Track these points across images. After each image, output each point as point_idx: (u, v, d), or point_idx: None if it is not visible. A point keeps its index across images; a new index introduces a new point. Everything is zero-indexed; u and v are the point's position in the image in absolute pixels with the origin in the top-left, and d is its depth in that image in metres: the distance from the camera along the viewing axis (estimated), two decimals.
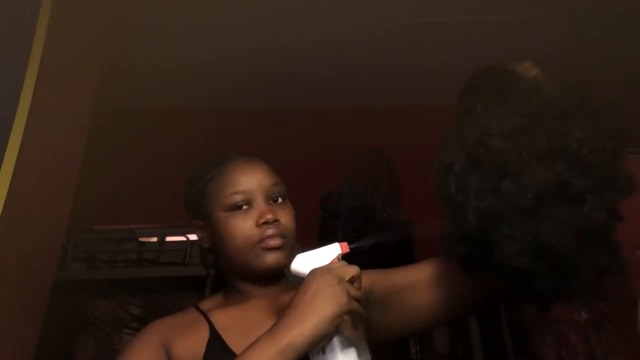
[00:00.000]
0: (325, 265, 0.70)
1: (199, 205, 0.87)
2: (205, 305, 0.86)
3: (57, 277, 1.23)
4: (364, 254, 1.72)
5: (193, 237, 2.08)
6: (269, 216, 0.81)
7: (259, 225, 0.81)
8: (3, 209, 0.98)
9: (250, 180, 0.84)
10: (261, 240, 0.80)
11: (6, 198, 0.99)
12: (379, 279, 0.84)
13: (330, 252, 0.74)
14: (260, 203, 0.83)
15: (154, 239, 2.19)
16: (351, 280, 0.69)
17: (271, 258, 0.80)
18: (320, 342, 0.65)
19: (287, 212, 0.85)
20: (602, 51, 2.24)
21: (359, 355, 0.68)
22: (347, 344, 0.67)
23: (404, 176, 1.85)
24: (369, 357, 0.70)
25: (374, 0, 1.97)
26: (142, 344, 0.77)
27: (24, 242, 1.07)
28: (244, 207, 0.83)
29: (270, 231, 0.80)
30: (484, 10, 2.02)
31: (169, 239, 2.16)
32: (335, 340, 0.67)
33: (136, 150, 2.41)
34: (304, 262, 0.73)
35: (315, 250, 0.74)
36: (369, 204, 1.76)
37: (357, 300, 0.68)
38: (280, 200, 0.86)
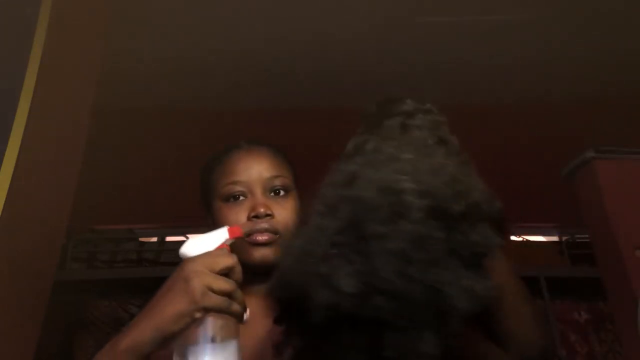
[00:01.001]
0: (197, 255, 0.62)
1: (204, 195, 0.85)
2: None
3: (57, 277, 1.23)
4: None
5: (193, 237, 2.08)
6: (261, 209, 0.76)
7: (250, 218, 0.76)
8: (3, 209, 0.98)
9: (249, 171, 0.80)
10: (250, 234, 0.75)
11: (6, 198, 0.99)
12: None
13: (217, 238, 0.64)
14: (257, 195, 0.79)
15: (154, 239, 2.19)
16: (224, 272, 0.60)
17: (258, 254, 0.75)
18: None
19: (286, 207, 0.80)
20: (602, 51, 2.24)
21: (235, 355, 0.58)
22: (217, 343, 0.58)
23: None
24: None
25: (375, 1, 1.97)
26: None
27: (24, 242, 1.07)
28: (240, 198, 0.79)
29: (259, 225, 0.76)
30: (485, 10, 2.02)
31: (169, 239, 2.16)
32: (200, 341, 0.57)
33: (136, 150, 2.41)
34: (191, 248, 0.63)
35: (207, 233, 0.65)
36: None
37: (230, 294, 0.59)
38: (282, 193, 0.81)
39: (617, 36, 2.13)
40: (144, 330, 0.57)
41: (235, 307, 0.60)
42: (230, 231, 0.64)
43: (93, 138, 1.34)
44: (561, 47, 2.21)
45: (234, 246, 0.73)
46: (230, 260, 0.61)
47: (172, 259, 2.02)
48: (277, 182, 0.81)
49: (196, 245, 0.64)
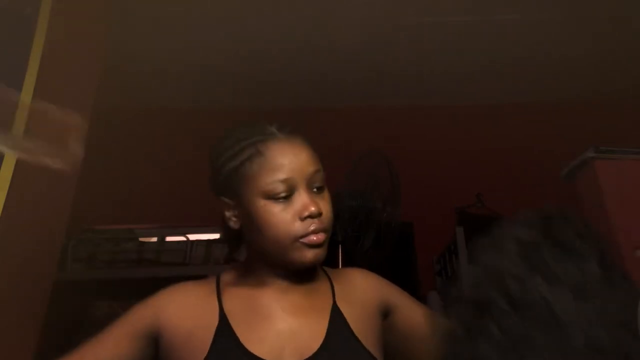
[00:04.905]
0: None
1: (230, 184, 0.78)
2: (226, 278, 0.83)
3: (57, 277, 1.23)
4: (363, 253, 1.72)
5: (193, 237, 2.08)
6: (313, 209, 0.74)
7: (302, 218, 0.74)
8: (3, 209, 0.98)
9: (292, 167, 0.76)
10: (305, 235, 0.74)
11: (6, 198, 0.99)
12: (403, 308, 0.83)
13: None
14: (302, 192, 0.75)
15: (154, 239, 2.18)
16: None
17: (312, 254, 0.74)
18: None
19: (328, 203, 0.78)
20: (603, 51, 2.24)
21: None
22: None
23: (404, 176, 1.85)
24: None
25: (374, 2, 1.97)
26: (126, 325, 0.80)
27: (24, 242, 1.07)
28: (286, 195, 0.75)
29: (313, 226, 0.74)
30: (487, 10, 2.02)
31: (169, 239, 2.15)
32: None
33: (136, 150, 2.41)
34: None
35: None
36: (369, 204, 1.76)
37: None
38: (321, 188, 0.79)
39: (618, 37, 2.13)
40: None
41: None
42: None
43: (93, 138, 1.34)
44: (562, 47, 2.21)
45: (285, 246, 0.74)
46: None
47: (172, 259, 2.02)
48: (318, 177, 0.78)
49: None
